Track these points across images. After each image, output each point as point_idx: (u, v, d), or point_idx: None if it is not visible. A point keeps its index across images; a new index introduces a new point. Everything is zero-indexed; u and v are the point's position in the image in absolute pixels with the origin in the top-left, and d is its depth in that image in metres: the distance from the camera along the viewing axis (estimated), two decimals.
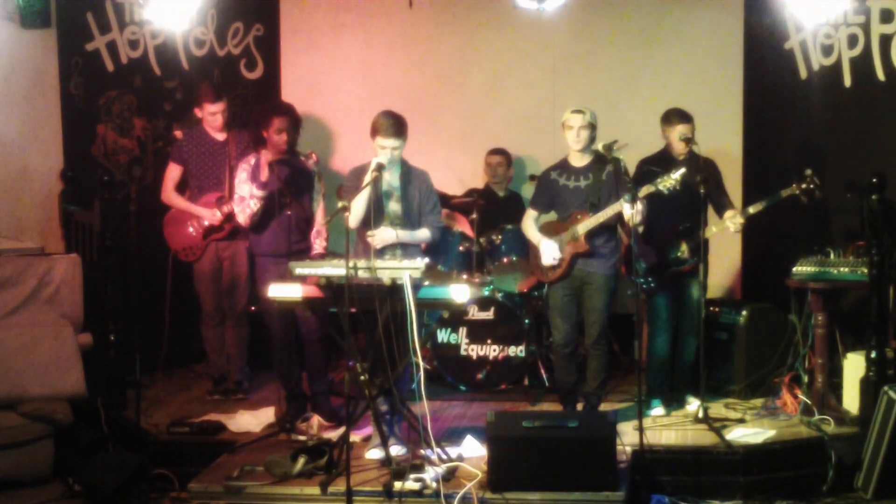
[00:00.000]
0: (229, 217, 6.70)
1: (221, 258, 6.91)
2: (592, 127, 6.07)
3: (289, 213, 6.15)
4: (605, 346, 6.22)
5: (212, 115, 6.87)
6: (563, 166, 6.23)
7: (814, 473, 5.76)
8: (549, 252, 6.14)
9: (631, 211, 5.69)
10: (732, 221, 6.25)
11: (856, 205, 6.13)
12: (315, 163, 6.25)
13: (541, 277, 6.37)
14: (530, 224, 6.34)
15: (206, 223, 6.83)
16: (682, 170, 5.86)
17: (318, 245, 6.28)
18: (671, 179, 5.82)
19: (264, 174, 6.06)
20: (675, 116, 6.36)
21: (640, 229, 5.86)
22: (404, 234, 5.77)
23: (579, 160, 6.17)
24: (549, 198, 6.27)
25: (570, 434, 5.11)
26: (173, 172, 6.99)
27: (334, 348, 6.77)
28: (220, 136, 6.94)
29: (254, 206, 6.11)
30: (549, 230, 6.25)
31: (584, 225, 6.03)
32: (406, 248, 5.78)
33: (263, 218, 6.16)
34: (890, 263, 5.90)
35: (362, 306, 5.27)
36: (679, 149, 6.32)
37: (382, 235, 5.70)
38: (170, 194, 6.99)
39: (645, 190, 5.86)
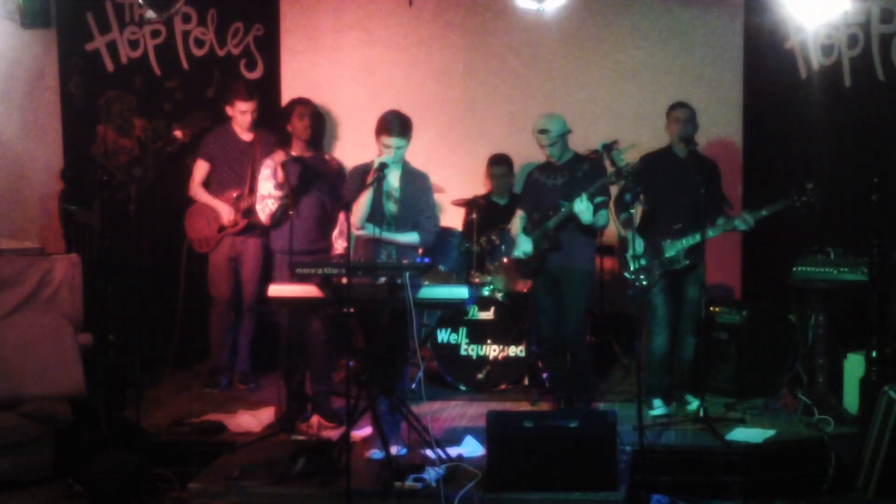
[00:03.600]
0: (246, 213, 6.80)
1: (236, 251, 6.99)
2: (563, 136, 6.18)
3: (307, 211, 6.17)
4: (583, 344, 6.29)
5: (242, 114, 6.95)
6: (546, 166, 6.34)
7: (814, 473, 5.75)
8: (521, 245, 6.28)
9: (580, 206, 5.89)
10: (741, 226, 6.20)
11: (856, 205, 6.12)
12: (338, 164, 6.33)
13: (523, 275, 6.53)
14: (517, 223, 6.42)
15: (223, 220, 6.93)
16: (635, 143, 6.03)
17: (340, 245, 6.29)
18: (621, 157, 5.93)
19: (279, 175, 6.08)
20: (674, 105, 6.40)
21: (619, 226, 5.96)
22: (389, 236, 5.75)
23: (560, 159, 6.26)
24: (532, 197, 6.36)
25: (570, 434, 5.11)
26: (201, 168, 7.04)
27: (337, 347, 6.78)
28: (247, 136, 7.00)
29: (271, 205, 6.13)
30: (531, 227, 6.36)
31: (554, 220, 6.13)
32: (401, 249, 5.77)
33: (283, 216, 6.17)
34: (890, 263, 5.91)
35: (362, 306, 5.27)
36: (674, 140, 6.32)
37: (368, 230, 5.70)
38: (196, 189, 7.05)
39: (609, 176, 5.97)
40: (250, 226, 6.85)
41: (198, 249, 7.02)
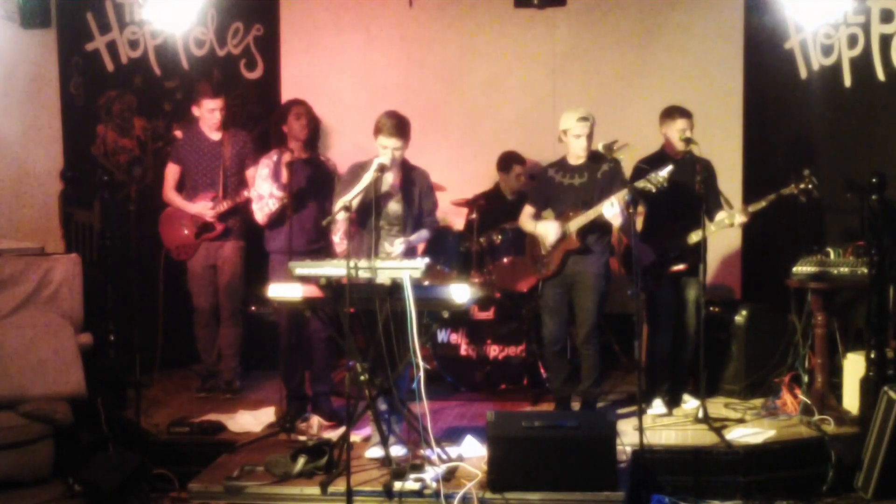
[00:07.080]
0: (222, 216, 6.75)
1: (213, 258, 6.91)
2: (593, 128, 6.12)
3: (307, 212, 6.16)
4: (596, 345, 6.24)
5: (210, 112, 6.86)
6: (562, 164, 6.27)
7: (814, 473, 5.76)
8: (551, 231, 6.14)
9: (611, 212, 5.79)
10: (737, 220, 6.19)
11: (856, 205, 6.12)
12: (333, 165, 6.33)
13: (535, 275, 6.39)
14: (527, 219, 6.38)
15: (200, 223, 6.84)
16: (670, 167, 5.83)
17: (342, 247, 6.28)
18: (660, 177, 5.79)
19: (284, 176, 6.08)
20: (675, 111, 6.36)
21: (635, 228, 5.89)
22: (413, 239, 5.79)
23: (577, 159, 6.19)
24: (545, 195, 6.32)
25: (570, 434, 5.10)
26: (172, 171, 6.99)
27: (337, 348, 6.77)
28: (216, 137, 6.93)
29: (272, 205, 6.13)
30: None
31: (575, 223, 6.06)
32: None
33: (281, 217, 6.16)
34: (890, 263, 5.91)
35: (362, 306, 5.28)
36: (678, 146, 6.30)
37: (398, 250, 5.69)
38: (169, 193, 7.00)
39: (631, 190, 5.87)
40: (227, 230, 6.80)
41: (176, 258, 6.95)
